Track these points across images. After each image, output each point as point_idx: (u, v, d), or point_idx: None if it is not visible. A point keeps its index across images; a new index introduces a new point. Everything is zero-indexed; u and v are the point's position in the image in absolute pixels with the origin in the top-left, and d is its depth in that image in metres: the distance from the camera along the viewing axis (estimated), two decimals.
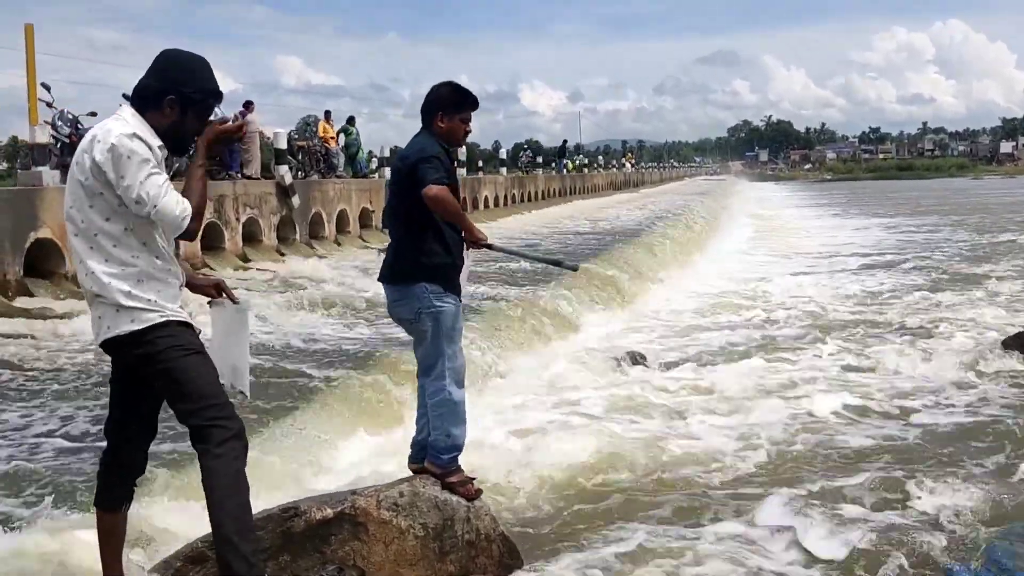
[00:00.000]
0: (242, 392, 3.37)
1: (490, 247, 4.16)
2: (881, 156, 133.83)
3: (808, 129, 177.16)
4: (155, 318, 3.05)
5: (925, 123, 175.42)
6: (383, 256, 4.15)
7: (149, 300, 3.05)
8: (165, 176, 3.04)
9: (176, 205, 3.00)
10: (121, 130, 3.00)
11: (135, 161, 2.95)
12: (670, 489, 5.44)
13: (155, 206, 2.96)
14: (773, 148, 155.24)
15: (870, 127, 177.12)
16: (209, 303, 3.39)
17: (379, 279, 4.11)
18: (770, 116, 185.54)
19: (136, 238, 3.05)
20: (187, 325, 3.14)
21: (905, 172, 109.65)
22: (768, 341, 10.22)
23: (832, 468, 5.80)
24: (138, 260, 3.05)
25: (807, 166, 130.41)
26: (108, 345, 3.11)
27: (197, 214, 3.07)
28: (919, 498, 5.16)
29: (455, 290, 4.01)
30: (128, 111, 3.10)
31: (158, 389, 3.14)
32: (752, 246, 23.58)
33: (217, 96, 3.19)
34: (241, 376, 3.35)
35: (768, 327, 11.20)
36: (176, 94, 3.09)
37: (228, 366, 3.29)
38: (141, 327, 3.04)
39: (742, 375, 8.27)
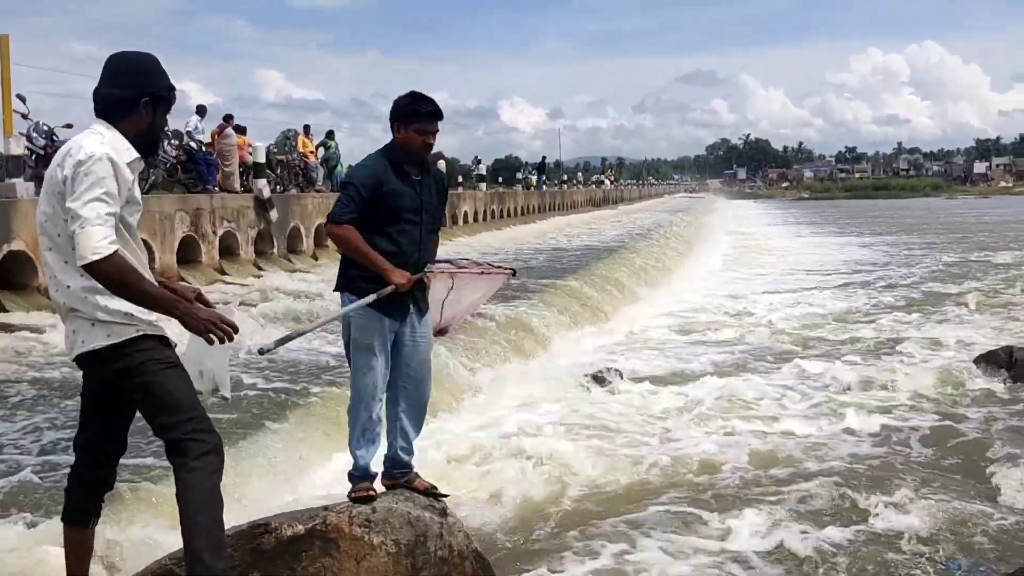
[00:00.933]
0: (224, 396, 3.35)
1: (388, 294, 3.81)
2: (857, 175, 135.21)
3: (786, 148, 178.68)
4: (131, 332, 3.03)
5: (900, 143, 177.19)
6: None
7: (125, 314, 3.02)
8: (113, 211, 2.93)
9: (100, 240, 2.86)
10: (94, 148, 2.96)
11: (92, 181, 2.91)
12: (643, 504, 5.44)
13: (82, 227, 2.87)
14: (751, 166, 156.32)
15: (846, 147, 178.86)
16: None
17: None
18: (748, 135, 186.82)
19: None
20: (163, 339, 3.12)
21: (880, 191, 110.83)
22: (743, 358, 10.27)
23: (802, 485, 5.81)
24: None
25: (784, 184, 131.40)
26: (83, 359, 3.08)
27: (121, 278, 2.89)
28: (887, 514, 5.20)
29: (378, 305, 3.83)
30: (102, 126, 3.07)
31: (135, 403, 3.11)
32: (730, 264, 23.74)
33: (174, 89, 3.21)
34: (222, 382, 3.33)
35: (743, 344, 11.26)
36: (148, 96, 3.11)
37: (209, 373, 3.28)
38: (118, 341, 3.02)
39: (717, 392, 8.29)
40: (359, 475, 3.97)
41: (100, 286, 2.98)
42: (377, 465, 4.07)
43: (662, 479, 5.94)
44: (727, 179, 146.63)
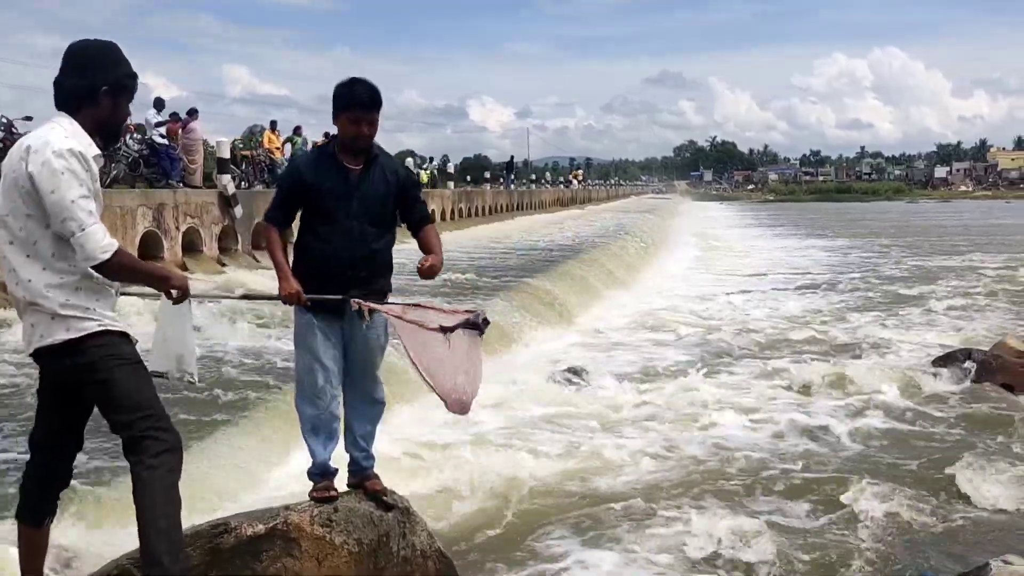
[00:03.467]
0: (191, 376, 3.43)
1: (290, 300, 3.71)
2: (821, 178, 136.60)
3: (752, 150, 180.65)
4: (92, 327, 2.98)
5: (863, 147, 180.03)
6: None
7: (86, 308, 2.98)
8: (94, 206, 2.95)
9: (103, 238, 2.93)
10: (59, 144, 2.92)
11: (68, 179, 2.88)
12: (607, 503, 5.46)
13: (83, 230, 2.89)
14: (718, 168, 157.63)
15: (811, 150, 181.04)
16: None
17: None
18: (715, 137, 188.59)
19: None
20: (124, 335, 3.07)
21: (844, 194, 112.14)
22: (707, 358, 10.34)
23: (763, 484, 5.87)
24: (77, 267, 2.97)
25: (750, 187, 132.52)
26: (40, 354, 3.03)
27: (121, 264, 3.00)
28: (847, 514, 5.27)
29: (313, 306, 3.72)
30: (65, 120, 3.02)
31: (92, 399, 3.07)
32: (695, 265, 23.92)
33: (136, 77, 3.17)
34: (188, 363, 3.41)
35: (707, 344, 11.34)
36: (108, 84, 3.06)
37: (174, 355, 3.37)
38: (77, 336, 2.97)
39: (680, 391, 8.36)
40: (318, 472, 3.90)
41: (63, 280, 2.96)
42: (339, 462, 4.02)
43: (624, 478, 5.96)
44: (694, 181, 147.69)
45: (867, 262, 24.15)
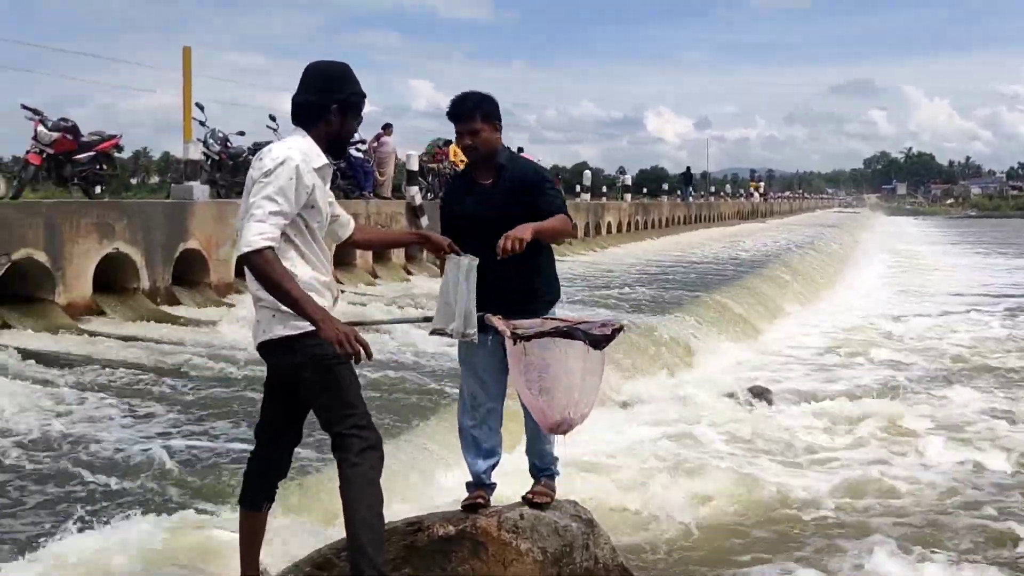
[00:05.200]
0: (472, 337, 3.57)
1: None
2: None
3: (951, 162, 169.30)
4: (306, 325, 3.15)
5: None
6: None
7: None
8: (279, 210, 3.08)
9: (255, 235, 3.02)
10: (279, 153, 3.16)
11: (267, 182, 3.10)
12: (792, 531, 5.27)
13: (246, 222, 3.08)
14: (912, 181, 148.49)
15: (1020, 162, 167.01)
16: (443, 256, 3.62)
17: None
18: (910, 148, 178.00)
19: (294, 250, 3.19)
20: None
21: None
22: (900, 383, 9.73)
23: (956, 521, 5.46)
24: (295, 269, 3.18)
25: (949, 201, 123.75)
26: (262, 348, 3.29)
27: (259, 268, 3.03)
28: None
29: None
30: (298, 134, 3.28)
31: (304, 396, 3.27)
32: (886, 282, 22.60)
33: (364, 96, 3.37)
34: (470, 321, 3.54)
35: (901, 368, 10.70)
36: (338, 103, 3.28)
37: (461, 312, 3.51)
38: (292, 333, 3.18)
39: (871, 417, 7.91)
40: (473, 484, 4.00)
41: None
42: (499, 475, 4.08)
43: (813, 505, 5.71)
44: (886, 194, 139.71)
45: None
